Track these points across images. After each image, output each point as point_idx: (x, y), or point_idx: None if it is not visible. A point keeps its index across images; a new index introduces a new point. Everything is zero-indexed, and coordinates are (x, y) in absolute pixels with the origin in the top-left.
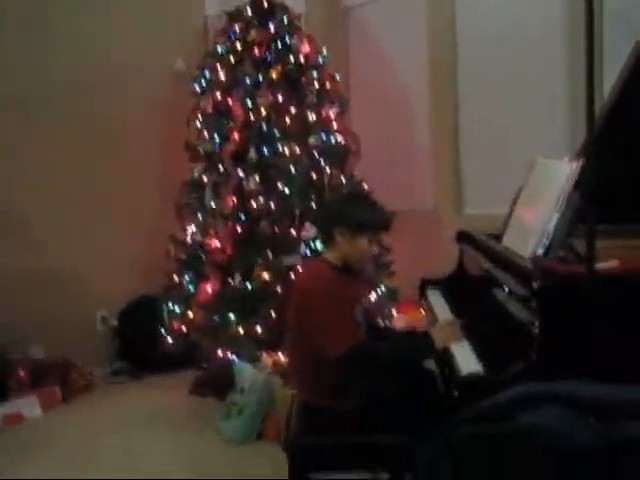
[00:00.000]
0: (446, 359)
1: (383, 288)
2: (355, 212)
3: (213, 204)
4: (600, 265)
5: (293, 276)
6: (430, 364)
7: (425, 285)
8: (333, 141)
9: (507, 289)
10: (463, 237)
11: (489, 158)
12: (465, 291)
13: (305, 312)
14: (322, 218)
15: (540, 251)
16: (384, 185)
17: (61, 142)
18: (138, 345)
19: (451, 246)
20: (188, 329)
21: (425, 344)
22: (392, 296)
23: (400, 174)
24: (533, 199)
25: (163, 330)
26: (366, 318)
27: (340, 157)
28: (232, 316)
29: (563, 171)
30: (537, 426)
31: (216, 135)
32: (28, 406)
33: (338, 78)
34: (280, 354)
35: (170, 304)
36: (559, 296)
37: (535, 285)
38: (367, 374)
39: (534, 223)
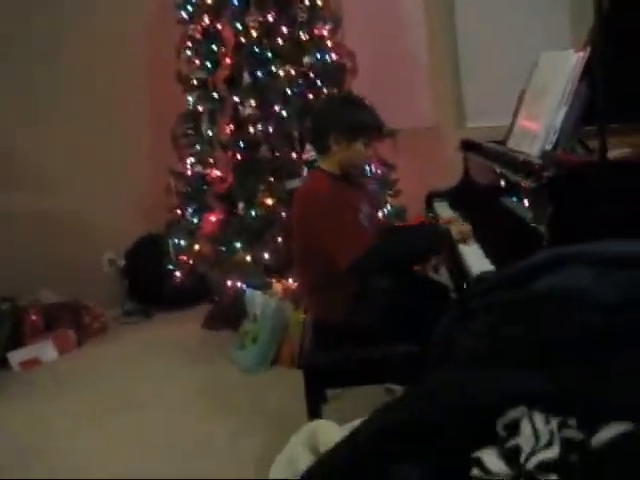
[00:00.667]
0: (457, 262)
1: (390, 207)
2: (349, 117)
3: (210, 133)
4: (612, 153)
5: None
6: (442, 277)
7: (431, 198)
8: (328, 60)
9: (514, 193)
10: (467, 145)
11: (489, 68)
12: (472, 200)
13: (309, 225)
14: (315, 126)
15: (548, 147)
16: (383, 103)
17: (58, 86)
18: (147, 284)
19: (455, 160)
20: (195, 262)
21: (442, 233)
22: (399, 214)
23: (399, 91)
24: (538, 96)
25: (171, 265)
26: (373, 223)
27: (336, 76)
28: (238, 245)
29: (569, 62)
30: (555, 286)
31: (208, 62)
32: (44, 350)
33: None
34: (289, 279)
35: (175, 239)
36: (571, 185)
37: (546, 175)
38: (384, 274)
39: (540, 121)
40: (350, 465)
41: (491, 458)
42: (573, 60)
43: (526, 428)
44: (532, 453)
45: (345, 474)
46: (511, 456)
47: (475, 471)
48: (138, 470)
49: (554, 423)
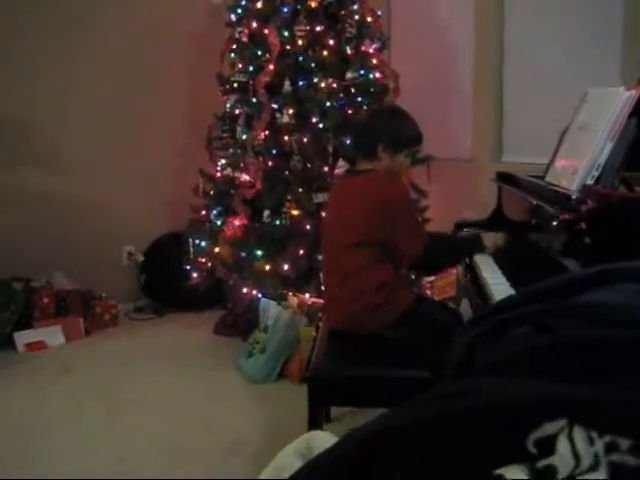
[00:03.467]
0: (481, 294)
1: None
2: (397, 129)
3: (245, 137)
4: None
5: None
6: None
7: (460, 227)
8: (371, 77)
9: (548, 226)
10: (503, 177)
11: (534, 102)
12: (502, 232)
13: (384, 219)
14: (364, 134)
15: (590, 182)
16: (422, 129)
17: (96, 74)
18: (163, 282)
19: (488, 195)
20: (214, 265)
21: (476, 240)
22: None
23: (439, 120)
24: (582, 132)
25: (188, 265)
26: None
27: (377, 94)
28: (259, 252)
29: (619, 98)
30: (599, 301)
31: (250, 66)
32: (52, 334)
33: (379, 13)
34: (306, 294)
35: (197, 239)
36: (612, 218)
37: (585, 209)
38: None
39: (582, 156)
40: (334, 473)
41: (517, 477)
42: (623, 97)
43: (564, 446)
44: (570, 477)
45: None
46: (543, 478)
47: None
48: (117, 468)
49: (600, 443)
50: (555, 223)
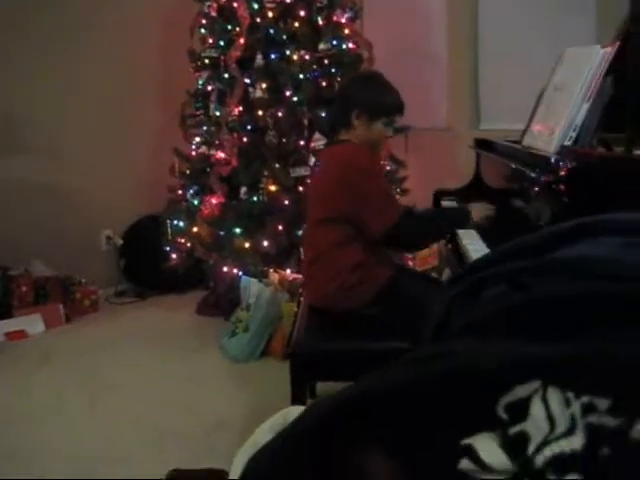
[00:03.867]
0: (462, 261)
1: None
2: (372, 95)
3: (218, 114)
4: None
5: (303, 187)
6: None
7: (439, 196)
8: (344, 47)
9: (527, 190)
10: (481, 144)
11: (510, 69)
12: (482, 200)
13: (348, 191)
14: (339, 101)
15: (567, 143)
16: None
17: (69, 57)
18: (143, 265)
19: (466, 164)
20: (193, 245)
21: (463, 213)
22: None
23: (415, 89)
24: (558, 92)
25: (168, 247)
26: None
27: (351, 65)
28: (238, 230)
29: (594, 57)
30: (580, 255)
31: (221, 41)
32: (32, 323)
33: None
34: (287, 270)
35: (175, 220)
36: (591, 178)
37: (563, 168)
38: (409, 244)
39: (559, 118)
40: (298, 445)
41: (487, 447)
42: (599, 56)
43: (537, 410)
44: (544, 443)
45: (290, 456)
46: (515, 446)
47: (464, 463)
48: (100, 455)
49: (577, 405)
50: (535, 187)
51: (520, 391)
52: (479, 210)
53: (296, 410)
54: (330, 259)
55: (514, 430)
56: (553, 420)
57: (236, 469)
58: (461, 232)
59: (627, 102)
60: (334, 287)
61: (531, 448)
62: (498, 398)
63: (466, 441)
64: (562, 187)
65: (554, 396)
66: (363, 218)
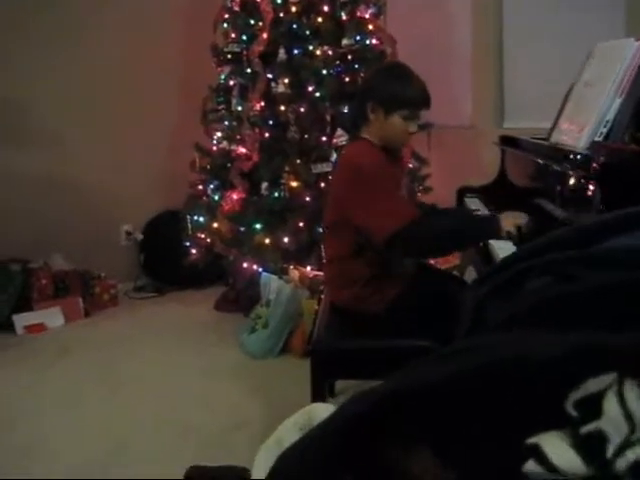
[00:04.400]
0: (488, 258)
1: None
2: (388, 86)
3: (240, 109)
4: None
5: (324, 184)
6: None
7: (463, 193)
8: (368, 43)
9: (555, 187)
10: (506, 141)
11: (535, 67)
12: (507, 198)
13: (352, 193)
14: (359, 93)
15: (598, 139)
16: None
17: (91, 53)
18: (163, 260)
19: (490, 162)
20: (213, 240)
21: (491, 223)
22: None
23: (438, 86)
24: (589, 88)
25: (187, 242)
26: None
27: (375, 61)
28: (259, 226)
29: (628, 50)
30: (629, 247)
31: (243, 35)
32: (51, 316)
33: None
34: (308, 267)
35: (195, 215)
36: (624, 173)
37: (597, 163)
38: (421, 254)
39: (590, 114)
40: (330, 445)
41: (556, 447)
42: (633, 48)
43: (612, 407)
44: (626, 445)
45: (321, 456)
46: (590, 447)
47: (530, 464)
48: (118, 450)
49: None
50: (565, 184)
51: (592, 385)
52: (511, 219)
53: (320, 408)
54: (343, 268)
55: (587, 429)
56: (632, 419)
57: (259, 467)
58: None
59: None
60: (348, 295)
61: (610, 450)
62: (567, 393)
63: (531, 441)
64: (594, 183)
65: (632, 392)
66: (367, 223)
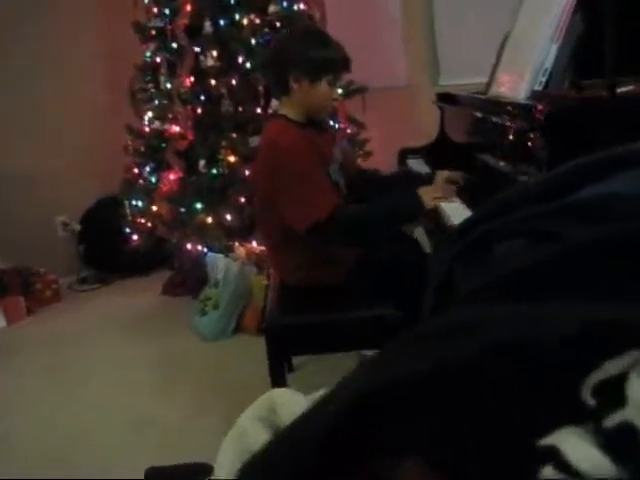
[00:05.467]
0: (436, 219)
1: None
2: (310, 53)
3: (169, 86)
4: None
5: None
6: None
7: (405, 154)
8: (295, 8)
9: (499, 140)
10: (444, 98)
11: (467, 20)
12: (449, 156)
13: (272, 179)
14: (273, 63)
15: (538, 88)
16: (353, 60)
17: (6, 35)
18: (104, 249)
19: (429, 121)
20: (154, 224)
21: (412, 202)
22: None
23: (371, 47)
24: (523, 37)
25: (128, 228)
26: (345, 172)
27: None
28: (199, 205)
29: None
30: (604, 194)
31: (166, 10)
32: None
33: None
34: (253, 242)
35: (132, 200)
36: (571, 121)
37: (540, 113)
38: (348, 245)
39: (527, 63)
40: (303, 454)
41: (579, 448)
42: None
43: (637, 391)
44: None
45: (292, 467)
46: (620, 445)
47: (548, 471)
48: (78, 449)
49: None
50: (507, 137)
51: (610, 367)
52: (432, 193)
53: (279, 394)
54: (281, 254)
55: (612, 422)
56: None
57: (221, 464)
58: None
59: (604, 38)
60: (296, 278)
61: None
62: (581, 378)
63: (546, 442)
64: (538, 134)
65: None
66: (286, 213)
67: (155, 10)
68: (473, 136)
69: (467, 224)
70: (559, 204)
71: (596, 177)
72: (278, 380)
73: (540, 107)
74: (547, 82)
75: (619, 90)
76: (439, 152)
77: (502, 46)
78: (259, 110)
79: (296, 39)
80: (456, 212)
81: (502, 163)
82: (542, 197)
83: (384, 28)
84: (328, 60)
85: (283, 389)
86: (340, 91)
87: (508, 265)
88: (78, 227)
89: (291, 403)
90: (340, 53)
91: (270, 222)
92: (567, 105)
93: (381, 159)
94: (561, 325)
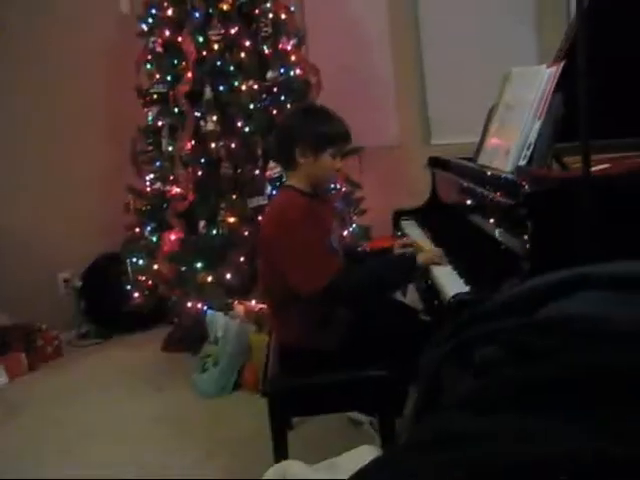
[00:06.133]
0: (430, 284)
1: (355, 226)
2: (314, 127)
3: (170, 149)
4: (592, 169)
5: (262, 217)
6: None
7: (398, 217)
8: (292, 74)
9: (486, 210)
10: (435, 162)
11: (456, 83)
12: (441, 219)
13: (279, 246)
14: (280, 140)
15: (522, 163)
16: (348, 121)
17: (5, 94)
18: (105, 305)
19: (421, 179)
20: (155, 282)
21: (407, 263)
22: (364, 234)
23: (364, 108)
24: (509, 111)
25: (129, 286)
26: (341, 243)
27: (300, 91)
28: (200, 264)
29: (541, 77)
30: (568, 314)
31: (168, 76)
32: None
33: (292, 9)
34: (252, 301)
35: (134, 259)
36: (551, 200)
37: (524, 192)
38: (349, 305)
39: (512, 136)
40: None
41: None
42: (546, 75)
43: None
44: None
45: None
46: None
47: None
48: None
49: None
50: (494, 207)
51: None
52: (428, 255)
53: (293, 466)
54: (283, 316)
55: None
56: None
57: None
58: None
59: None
60: (295, 339)
61: None
62: None
63: None
64: (522, 211)
65: None
66: (293, 278)
67: (157, 76)
68: (463, 201)
69: (453, 329)
70: (527, 320)
71: (559, 295)
72: (280, 440)
73: (524, 185)
74: (531, 156)
75: (595, 169)
76: (431, 214)
77: (490, 115)
78: (257, 172)
79: (300, 116)
80: (447, 278)
81: (490, 229)
82: (515, 310)
83: (377, 89)
84: (330, 134)
85: (294, 462)
86: (341, 163)
87: (490, 377)
88: (79, 283)
89: (300, 475)
90: (341, 127)
91: (274, 285)
92: (548, 186)
93: (375, 217)
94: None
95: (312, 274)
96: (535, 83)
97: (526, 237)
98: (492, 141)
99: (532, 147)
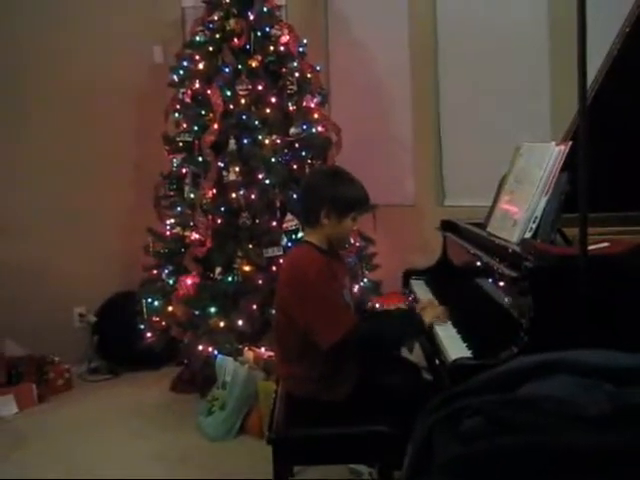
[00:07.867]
0: (433, 343)
1: (365, 281)
2: (341, 193)
3: (192, 196)
4: (592, 247)
5: (276, 267)
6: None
7: (409, 276)
8: (314, 131)
9: (492, 278)
10: (447, 226)
11: (471, 149)
12: (450, 281)
13: (297, 300)
14: (306, 200)
15: (528, 235)
16: (365, 178)
17: (43, 136)
18: (117, 342)
19: (433, 239)
20: (168, 324)
21: (416, 320)
22: (375, 289)
23: (381, 167)
24: (519, 184)
25: (142, 325)
26: (353, 298)
27: (321, 148)
28: (213, 309)
29: (550, 154)
30: (540, 395)
31: (195, 126)
32: (4, 404)
33: (318, 68)
34: (262, 348)
35: (149, 299)
36: (552, 277)
37: (526, 266)
38: (361, 359)
39: (520, 208)
40: None
41: None
42: (554, 153)
43: None
44: None
45: None
46: None
47: None
48: None
49: None
50: (499, 276)
51: None
52: (431, 313)
53: None
54: (292, 367)
55: None
56: None
57: None
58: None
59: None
60: (303, 390)
61: None
62: None
63: None
64: (524, 283)
65: None
66: (310, 332)
67: (184, 125)
68: (471, 266)
69: (447, 398)
70: (508, 396)
71: (536, 376)
72: None
73: (527, 260)
74: (537, 229)
75: (593, 247)
76: (440, 276)
77: (500, 184)
78: (275, 223)
79: (329, 179)
80: (450, 341)
81: (494, 296)
82: (500, 387)
83: (396, 149)
84: (356, 199)
85: None
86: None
87: (474, 446)
88: (94, 319)
89: None
90: (363, 192)
91: (288, 337)
92: (549, 262)
93: (387, 273)
94: None
95: (330, 328)
96: (544, 160)
97: (527, 309)
98: (502, 209)
99: (538, 220)
